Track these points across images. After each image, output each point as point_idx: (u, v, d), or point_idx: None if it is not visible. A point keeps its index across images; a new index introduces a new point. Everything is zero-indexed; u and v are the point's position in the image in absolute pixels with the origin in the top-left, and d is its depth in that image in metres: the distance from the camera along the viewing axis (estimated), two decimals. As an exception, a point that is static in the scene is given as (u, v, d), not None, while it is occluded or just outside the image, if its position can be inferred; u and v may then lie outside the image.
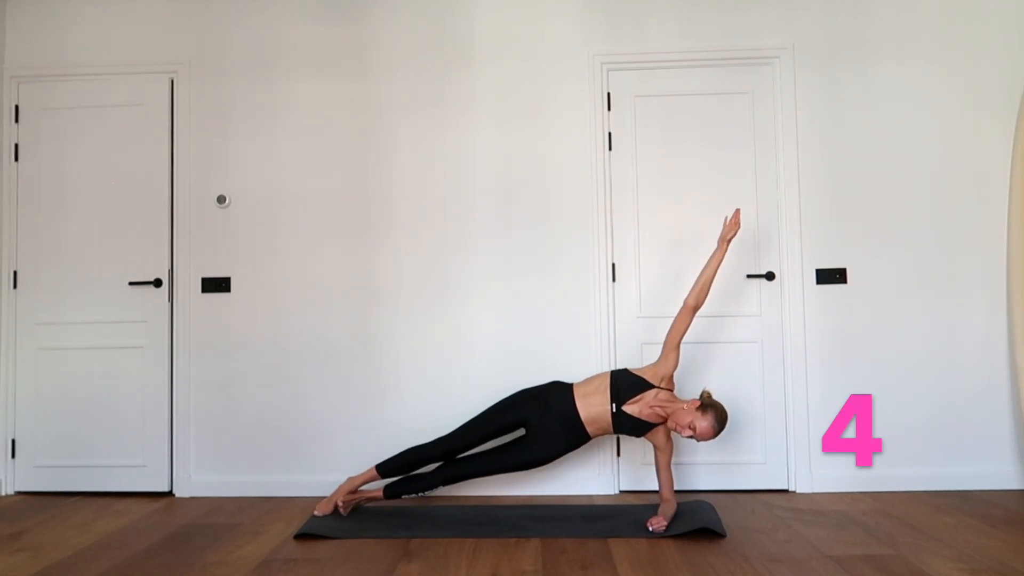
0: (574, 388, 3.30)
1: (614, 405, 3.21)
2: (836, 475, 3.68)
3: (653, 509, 3.30)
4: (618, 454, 3.74)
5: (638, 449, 3.72)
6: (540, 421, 3.28)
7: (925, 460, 3.68)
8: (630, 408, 3.20)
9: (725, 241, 3.29)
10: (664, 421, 3.19)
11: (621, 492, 3.74)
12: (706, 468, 3.72)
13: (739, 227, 3.34)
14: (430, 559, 2.75)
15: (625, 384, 3.23)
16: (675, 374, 3.30)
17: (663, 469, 3.19)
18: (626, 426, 3.22)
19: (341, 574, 2.60)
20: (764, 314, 3.76)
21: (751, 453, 3.72)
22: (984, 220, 3.72)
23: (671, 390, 3.23)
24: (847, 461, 3.68)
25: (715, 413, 3.07)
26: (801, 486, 3.68)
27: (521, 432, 3.46)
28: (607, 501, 3.57)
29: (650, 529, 2.99)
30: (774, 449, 3.71)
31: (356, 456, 3.78)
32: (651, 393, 3.20)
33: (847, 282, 3.73)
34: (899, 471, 3.67)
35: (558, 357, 3.76)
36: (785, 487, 3.70)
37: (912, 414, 3.69)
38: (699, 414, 3.06)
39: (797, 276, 3.73)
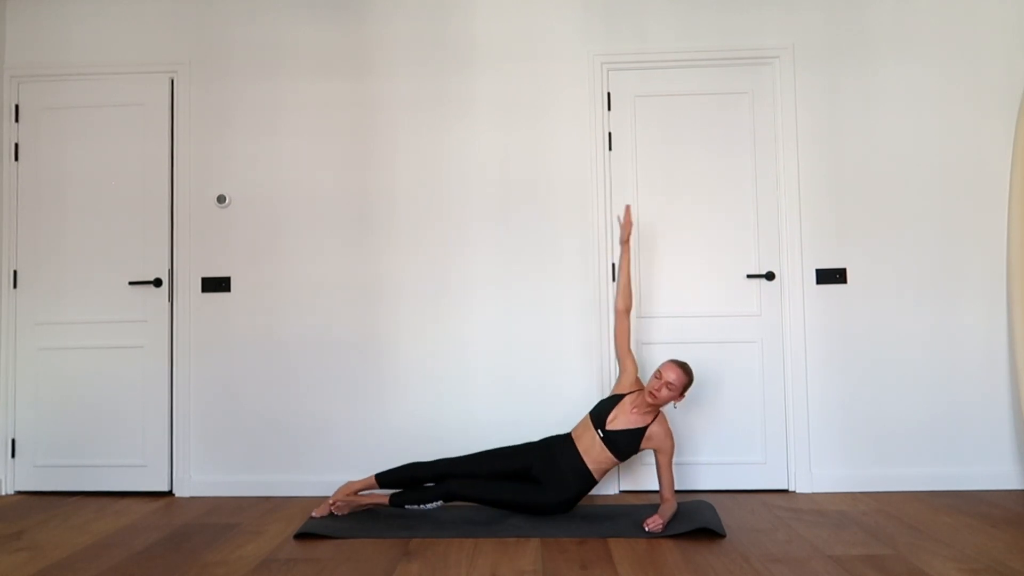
0: (572, 435, 3.32)
1: (600, 431, 3.24)
2: (836, 475, 3.68)
3: (653, 509, 3.30)
4: (618, 454, 3.75)
5: (638, 449, 3.72)
6: (549, 471, 3.25)
7: (925, 460, 3.68)
8: (614, 425, 3.23)
9: (624, 243, 3.49)
10: (651, 420, 3.21)
11: (621, 492, 3.74)
12: (706, 468, 3.72)
13: (632, 225, 3.52)
14: (430, 559, 2.75)
15: (601, 409, 3.29)
16: (640, 375, 3.34)
17: (664, 469, 3.19)
18: (621, 444, 3.21)
19: (341, 574, 2.60)
20: (764, 314, 3.75)
21: (751, 453, 3.72)
22: (984, 220, 3.72)
23: (641, 390, 3.30)
24: (847, 461, 3.68)
25: (673, 361, 3.19)
26: (801, 486, 3.68)
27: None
28: (607, 501, 3.57)
29: (647, 529, 2.99)
30: (774, 449, 3.71)
31: (356, 456, 3.78)
32: (626, 400, 3.27)
33: (847, 282, 3.73)
34: (899, 471, 3.67)
35: (558, 356, 3.76)
36: (785, 487, 3.70)
37: (912, 414, 3.69)
38: (662, 369, 3.16)
39: (797, 276, 3.73)
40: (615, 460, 3.23)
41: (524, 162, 3.83)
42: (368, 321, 3.82)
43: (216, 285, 3.86)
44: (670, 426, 3.32)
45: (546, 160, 3.82)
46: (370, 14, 3.91)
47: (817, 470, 3.69)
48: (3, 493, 3.87)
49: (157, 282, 3.86)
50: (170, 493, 3.84)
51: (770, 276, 3.75)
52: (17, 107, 3.98)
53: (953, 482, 3.65)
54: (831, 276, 3.74)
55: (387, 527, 3.13)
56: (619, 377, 3.41)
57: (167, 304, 3.88)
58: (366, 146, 3.87)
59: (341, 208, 3.85)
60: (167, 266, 3.88)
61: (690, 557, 2.71)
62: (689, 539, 2.93)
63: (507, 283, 3.79)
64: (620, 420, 3.23)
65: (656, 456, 3.22)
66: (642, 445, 3.22)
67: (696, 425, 3.73)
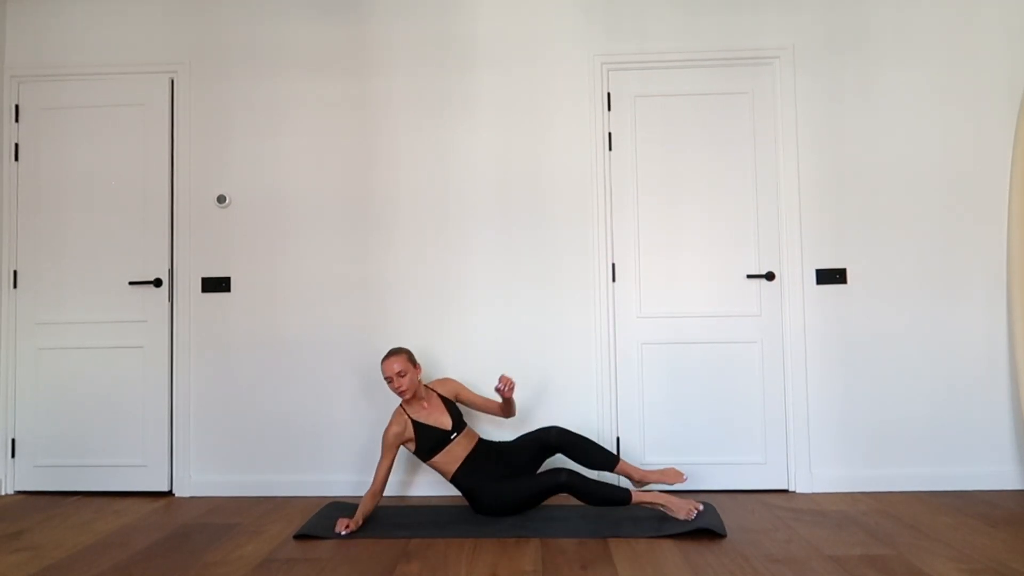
0: (452, 457, 3.39)
1: (453, 435, 3.36)
2: (836, 475, 3.68)
3: (653, 509, 3.29)
4: (617, 453, 3.74)
5: (637, 449, 3.72)
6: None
7: (925, 460, 3.68)
8: (439, 423, 3.37)
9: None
10: (438, 395, 3.45)
11: (621, 492, 3.74)
12: (706, 468, 3.72)
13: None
14: (430, 559, 2.75)
15: (427, 443, 3.34)
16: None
17: (474, 398, 3.48)
18: (457, 417, 3.40)
19: (341, 574, 2.61)
20: (764, 314, 3.76)
21: (751, 453, 3.72)
22: (984, 220, 3.72)
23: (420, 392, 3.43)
24: (847, 461, 3.68)
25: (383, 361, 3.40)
26: (801, 486, 3.68)
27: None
28: (607, 501, 3.57)
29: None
30: (774, 449, 3.71)
31: (356, 456, 3.78)
32: (420, 422, 3.35)
33: (847, 282, 3.73)
34: (899, 471, 3.67)
35: (558, 356, 3.76)
36: (785, 487, 3.70)
37: (912, 414, 3.69)
38: (384, 374, 3.36)
39: (797, 276, 3.73)
40: (467, 427, 3.43)
41: (524, 162, 3.83)
42: (367, 321, 3.82)
43: (216, 285, 3.86)
44: (451, 380, 3.55)
45: (546, 160, 3.83)
46: (371, 14, 3.91)
47: (817, 470, 3.69)
48: (3, 493, 3.87)
49: (157, 282, 3.86)
50: (170, 493, 3.84)
51: (770, 276, 3.75)
52: (17, 107, 3.98)
53: (953, 482, 3.65)
54: (831, 276, 3.74)
55: (387, 527, 3.13)
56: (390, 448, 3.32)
57: (167, 304, 3.88)
58: (367, 146, 3.87)
59: (341, 208, 3.85)
60: (167, 266, 3.88)
61: (690, 557, 2.71)
62: (689, 539, 2.93)
63: (508, 282, 3.79)
64: (433, 418, 3.37)
65: (463, 399, 3.49)
66: (460, 404, 3.51)
67: (696, 425, 3.73)
